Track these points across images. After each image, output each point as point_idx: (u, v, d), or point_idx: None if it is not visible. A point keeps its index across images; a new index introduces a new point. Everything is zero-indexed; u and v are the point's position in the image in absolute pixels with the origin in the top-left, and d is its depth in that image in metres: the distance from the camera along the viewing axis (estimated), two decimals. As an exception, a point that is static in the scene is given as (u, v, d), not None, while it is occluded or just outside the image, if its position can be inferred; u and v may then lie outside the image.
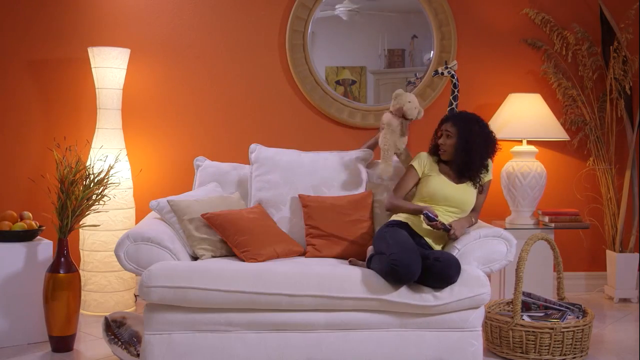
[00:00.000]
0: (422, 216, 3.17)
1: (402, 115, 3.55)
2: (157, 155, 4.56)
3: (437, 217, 3.13)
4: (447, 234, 3.17)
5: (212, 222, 3.24)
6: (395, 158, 3.61)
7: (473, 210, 3.38)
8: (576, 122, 4.71)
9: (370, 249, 3.21)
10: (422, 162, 3.40)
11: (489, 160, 3.41)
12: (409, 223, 3.24)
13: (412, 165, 3.41)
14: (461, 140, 3.31)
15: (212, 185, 3.60)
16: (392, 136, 3.52)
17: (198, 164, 3.77)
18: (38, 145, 4.47)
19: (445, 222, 3.19)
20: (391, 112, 3.58)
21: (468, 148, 3.30)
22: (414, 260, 2.87)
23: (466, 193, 3.31)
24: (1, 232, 3.55)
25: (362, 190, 3.58)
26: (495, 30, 4.73)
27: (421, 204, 3.30)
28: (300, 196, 3.47)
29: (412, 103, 3.53)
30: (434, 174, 3.35)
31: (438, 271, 2.89)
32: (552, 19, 4.68)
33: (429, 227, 3.17)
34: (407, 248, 2.94)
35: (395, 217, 3.31)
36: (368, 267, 3.07)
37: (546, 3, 4.72)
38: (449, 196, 3.28)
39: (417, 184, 3.41)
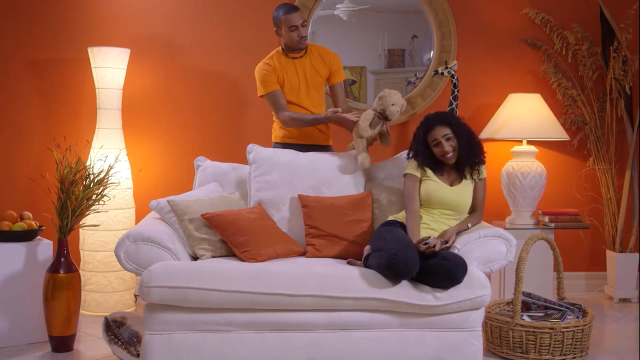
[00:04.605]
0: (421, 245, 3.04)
1: (384, 117, 3.53)
2: (157, 155, 4.57)
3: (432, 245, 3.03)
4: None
5: (212, 222, 3.23)
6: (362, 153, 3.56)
7: (474, 211, 3.35)
8: (576, 122, 4.71)
9: (367, 248, 3.21)
10: (415, 167, 3.31)
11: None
12: (405, 223, 3.23)
13: (408, 173, 3.30)
14: (461, 134, 3.25)
15: (212, 185, 3.60)
16: (363, 124, 3.51)
17: (198, 164, 3.77)
18: (38, 145, 4.47)
19: (439, 231, 3.17)
20: (374, 109, 3.56)
21: (470, 139, 3.28)
22: (411, 257, 2.87)
23: (462, 194, 3.28)
24: (1, 232, 3.55)
25: (361, 190, 3.58)
26: (495, 30, 4.73)
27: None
28: (299, 196, 3.47)
29: (395, 106, 3.49)
30: (427, 177, 3.31)
31: (446, 270, 2.87)
32: (552, 19, 4.68)
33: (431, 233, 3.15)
34: (406, 244, 2.93)
35: (392, 217, 3.30)
36: (365, 265, 3.07)
37: (546, 3, 4.72)
38: (444, 199, 3.25)
39: None
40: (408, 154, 3.39)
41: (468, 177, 3.31)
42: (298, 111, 3.80)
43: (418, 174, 3.29)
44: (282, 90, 3.79)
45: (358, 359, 2.88)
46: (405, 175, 3.31)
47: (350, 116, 3.66)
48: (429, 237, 3.02)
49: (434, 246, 2.95)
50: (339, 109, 3.72)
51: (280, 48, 3.85)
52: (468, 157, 3.27)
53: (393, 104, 3.49)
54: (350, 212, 3.41)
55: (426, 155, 3.29)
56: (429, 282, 2.90)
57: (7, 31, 4.43)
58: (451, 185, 3.29)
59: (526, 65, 4.76)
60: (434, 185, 3.26)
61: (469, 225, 3.27)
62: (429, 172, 3.29)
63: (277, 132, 3.91)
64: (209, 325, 2.87)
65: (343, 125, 3.73)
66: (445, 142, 3.23)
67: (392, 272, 2.85)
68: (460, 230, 3.23)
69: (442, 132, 3.24)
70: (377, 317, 2.89)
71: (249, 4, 4.57)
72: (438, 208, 3.26)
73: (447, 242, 3.09)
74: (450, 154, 3.24)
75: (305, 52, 3.82)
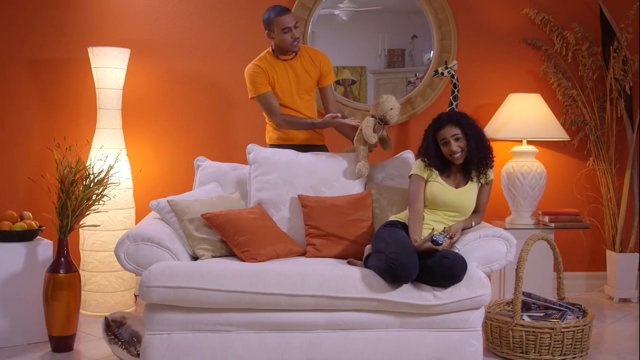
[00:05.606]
0: (429, 243, 3.01)
1: (385, 122, 3.58)
2: (157, 155, 4.57)
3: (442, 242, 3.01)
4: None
5: (212, 222, 3.24)
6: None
7: (476, 212, 3.35)
8: (576, 122, 4.71)
9: (367, 248, 3.21)
10: (422, 168, 3.31)
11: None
12: (407, 223, 3.23)
13: (414, 174, 3.29)
14: (470, 135, 3.24)
15: (212, 185, 3.61)
16: (367, 131, 3.54)
17: (198, 164, 3.77)
18: (38, 145, 4.47)
19: (444, 230, 3.16)
20: (373, 116, 3.58)
21: (480, 141, 3.27)
22: (411, 261, 2.86)
23: (466, 196, 3.28)
24: (1, 232, 3.55)
25: (361, 190, 3.58)
26: (495, 30, 4.73)
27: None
28: (299, 196, 3.47)
29: (393, 110, 3.55)
30: (432, 179, 3.30)
31: (446, 268, 2.87)
32: (552, 19, 4.68)
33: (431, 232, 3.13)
34: (406, 248, 2.93)
35: (394, 218, 3.30)
36: (365, 265, 3.06)
37: (546, 3, 4.73)
38: (449, 201, 3.25)
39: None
40: (418, 152, 3.39)
41: (474, 179, 3.30)
42: (290, 114, 3.78)
43: (424, 175, 3.28)
44: (273, 92, 3.77)
45: (358, 359, 2.89)
46: (411, 175, 3.31)
47: (350, 121, 3.66)
48: (439, 235, 3.01)
49: (442, 244, 2.96)
50: (338, 114, 3.71)
51: (270, 49, 3.81)
52: (476, 159, 3.26)
53: (391, 108, 3.54)
54: (350, 212, 3.41)
55: (435, 154, 3.28)
56: (429, 281, 2.90)
57: (7, 31, 4.43)
58: (456, 187, 3.28)
59: (526, 65, 4.76)
60: (439, 187, 3.26)
61: (473, 223, 3.28)
62: (435, 173, 3.28)
63: (271, 134, 3.89)
64: (209, 325, 2.87)
65: (339, 131, 3.73)
66: (454, 142, 3.22)
67: (391, 276, 2.85)
68: (465, 227, 3.24)
69: (452, 132, 3.23)
70: (377, 317, 2.89)
71: (249, 4, 4.57)
72: (442, 210, 3.26)
73: (452, 237, 3.09)
74: (457, 154, 3.23)
75: (296, 54, 3.80)
